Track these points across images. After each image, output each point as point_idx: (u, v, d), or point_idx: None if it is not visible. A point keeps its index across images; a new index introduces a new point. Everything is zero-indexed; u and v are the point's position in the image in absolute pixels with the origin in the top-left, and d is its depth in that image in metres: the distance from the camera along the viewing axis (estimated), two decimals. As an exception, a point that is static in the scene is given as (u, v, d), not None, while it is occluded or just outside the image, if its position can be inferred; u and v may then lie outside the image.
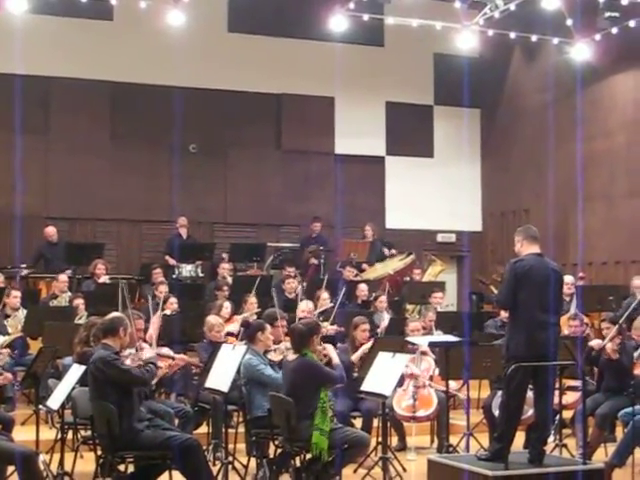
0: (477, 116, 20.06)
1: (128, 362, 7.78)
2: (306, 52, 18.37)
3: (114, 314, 8.09)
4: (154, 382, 8.53)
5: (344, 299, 13.45)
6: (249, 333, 9.38)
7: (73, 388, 8.10)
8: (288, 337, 10.21)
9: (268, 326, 9.27)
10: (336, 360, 8.38)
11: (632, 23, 15.61)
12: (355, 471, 8.88)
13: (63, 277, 13.93)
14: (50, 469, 8.26)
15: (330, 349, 8.47)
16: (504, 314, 10.96)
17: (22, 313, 12.30)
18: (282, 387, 8.31)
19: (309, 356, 8.10)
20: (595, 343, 9.76)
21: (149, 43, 16.99)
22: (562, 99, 17.76)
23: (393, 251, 17.29)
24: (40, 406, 8.71)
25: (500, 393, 8.86)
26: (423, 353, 10.46)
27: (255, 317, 11.82)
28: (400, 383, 9.44)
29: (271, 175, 18.53)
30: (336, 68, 17.24)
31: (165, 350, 9.58)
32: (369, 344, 9.93)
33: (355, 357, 9.89)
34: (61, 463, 8.06)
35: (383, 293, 13.71)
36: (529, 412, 8.72)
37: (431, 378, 10.33)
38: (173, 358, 9.20)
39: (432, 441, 10.69)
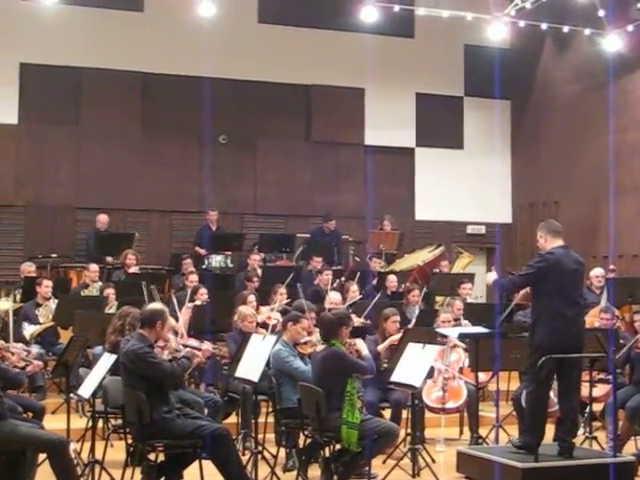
0: (507, 107, 19.95)
1: (164, 355, 7.77)
2: (336, 43, 18.32)
3: (155, 305, 8.05)
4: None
5: (372, 290, 13.46)
6: (283, 321, 9.42)
7: (104, 377, 8.13)
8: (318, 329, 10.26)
9: (305, 320, 9.22)
10: (365, 352, 8.36)
11: (665, 14, 15.54)
12: (384, 462, 8.87)
13: (94, 267, 14.01)
14: (81, 457, 8.34)
15: (360, 343, 8.45)
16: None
17: (53, 303, 12.36)
18: (310, 379, 8.29)
19: (337, 346, 8.09)
20: None
21: (179, 34, 17.00)
22: (593, 90, 17.63)
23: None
24: (71, 395, 8.76)
25: (530, 385, 8.83)
26: (453, 346, 10.44)
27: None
28: (430, 375, 9.43)
29: (301, 166, 18.52)
30: (366, 59, 17.22)
31: (192, 342, 9.56)
32: (397, 335, 9.90)
33: (382, 347, 9.81)
34: (92, 451, 8.08)
35: (416, 287, 13.65)
36: (557, 405, 8.69)
37: (461, 370, 10.31)
38: (199, 349, 9.14)
39: (461, 433, 10.69)
